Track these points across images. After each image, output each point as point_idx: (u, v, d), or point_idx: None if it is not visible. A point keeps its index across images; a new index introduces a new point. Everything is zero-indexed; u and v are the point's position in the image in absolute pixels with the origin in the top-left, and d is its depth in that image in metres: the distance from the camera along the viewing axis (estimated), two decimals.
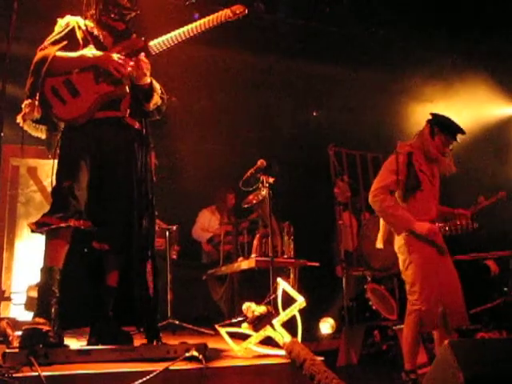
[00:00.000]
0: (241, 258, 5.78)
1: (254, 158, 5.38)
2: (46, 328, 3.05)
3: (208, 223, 7.48)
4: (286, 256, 5.77)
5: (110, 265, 3.60)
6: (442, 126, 4.54)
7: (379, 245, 4.74)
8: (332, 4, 7.24)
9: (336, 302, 6.67)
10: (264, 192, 5.46)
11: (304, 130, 7.83)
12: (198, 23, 3.57)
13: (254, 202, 5.69)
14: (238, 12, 3.62)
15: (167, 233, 5.70)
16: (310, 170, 7.44)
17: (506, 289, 6.92)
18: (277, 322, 2.99)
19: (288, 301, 3.31)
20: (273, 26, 7.18)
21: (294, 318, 3.20)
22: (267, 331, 3.01)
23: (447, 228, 4.53)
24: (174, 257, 6.43)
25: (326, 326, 6.69)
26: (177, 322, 5.29)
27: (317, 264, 5.86)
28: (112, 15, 3.67)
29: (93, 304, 3.56)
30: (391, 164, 4.54)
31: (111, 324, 3.50)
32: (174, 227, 5.88)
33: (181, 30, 3.57)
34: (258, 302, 3.28)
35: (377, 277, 6.37)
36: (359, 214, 7.08)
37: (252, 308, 3.18)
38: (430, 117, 4.66)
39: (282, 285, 3.29)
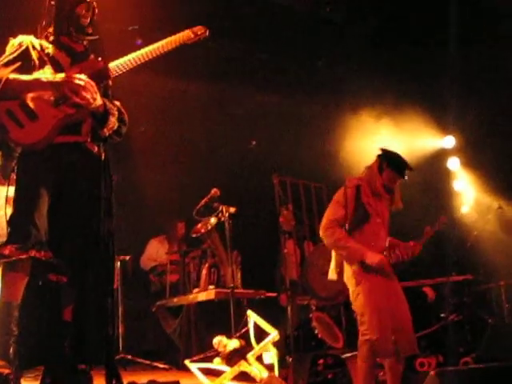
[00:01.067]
0: (196, 289, 5.64)
1: (202, 187, 5.32)
2: (6, 371, 2.84)
3: (156, 253, 7.31)
4: (233, 285, 5.69)
5: (67, 298, 3.42)
6: (390, 162, 4.62)
7: (332, 276, 4.75)
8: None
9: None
10: (213, 220, 5.39)
11: (248, 159, 7.83)
12: (159, 44, 3.51)
13: (203, 231, 5.59)
14: (199, 33, 3.58)
15: (118, 263, 5.49)
16: (255, 199, 7.43)
17: (442, 315, 7.13)
18: (251, 356, 2.92)
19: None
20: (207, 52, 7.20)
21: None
22: (242, 366, 2.93)
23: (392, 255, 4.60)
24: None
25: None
26: (129, 357, 5.07)
27: (274, 295, 5.81)
28: (72, 36, 3.55)
29: (48, 341, 3.35)
30: (339, 198, 4.62)
31: (67, 363, 3.31)
32: (127, 257, 5.69)
33: (142, 52, 3.50)
34: (226, 335, 3.20)
35: (322, 305, 6.40)
36: (302, 242, 7.12)
37: (224, 342, 3.09)
38: (380, 152, 4.73)
39: (253, 317, 3.22)
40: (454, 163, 9.75)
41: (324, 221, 4.59)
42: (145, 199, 7.30)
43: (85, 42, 3.62)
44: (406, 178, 4.70)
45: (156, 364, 5.02)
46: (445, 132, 9.55)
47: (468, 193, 9.64)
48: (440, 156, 9.60)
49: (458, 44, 8.26)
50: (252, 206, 7.45)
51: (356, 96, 8.05)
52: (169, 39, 3.54)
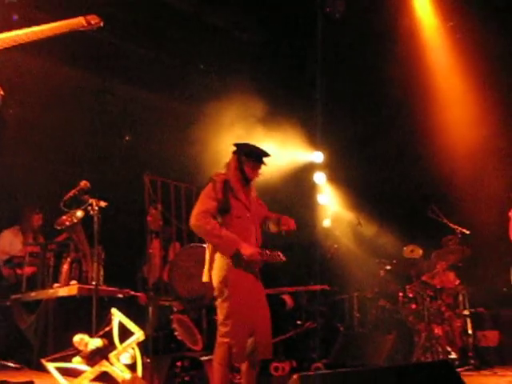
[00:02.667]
0: (57, 284, 5.36)
1: (66, 178, 5.10)
2: None
3: (9, 245, 6.84)
4: (94, 282, 5.50)
5: None
6: (248, 153, 4.68)
7: (206, 278, 4.70)
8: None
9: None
10: (79, 214, 5.18)
11: (121, 155, 7.62)
12: (45, 27, 3.32)
13: (67, 223, 5.35)
14: (92, 22, 3.45)
15: None
16: (125, 196, 7.24)
17: (298, 322, 7.39)
18: (114, 356, 2.83)
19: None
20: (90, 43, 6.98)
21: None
22: (104, 366, 2.83)
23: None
24: None
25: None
26: None
27: (139, 294, 5.68)
28: None
29: None
30: (209, 191, 4.58)
31: None
32: None
33: (26, 31, 3.29)
34: (88, 333, 3.07)
35: (183, 308, 6.37)
36: (169, 243, 7.06)
37: (85, 341, 2.97)
38: (235, 148, 4.76)
39: (118, 316, 3.12)
40: (320, 177, 10.19)
41: (195, 212, 4.49)
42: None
43: None
44: (266, 164, 4.73)
45: (5, 363, 4.68)
46: (314, 147, 9.96)
47: (331, 207, 10.12)
48: (308, 170, 9.98)
49: (325, 65, 8.77)
50: (121, 202, 7.26)
51: (231, 102, 8.15)
52: (58, 23, 3.37)
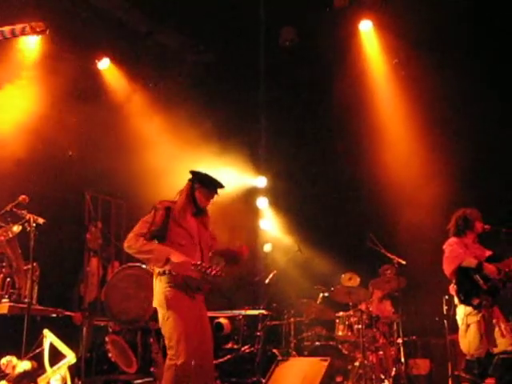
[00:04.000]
0: None
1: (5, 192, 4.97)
2: None
3: None
4: (26, 300, 5.34)
5: None
6: (202, 181, 4.75)
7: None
8: None
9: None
10: (15, 228, 5.05)
11: (61, 169, 7.45)
12: None
13: (2, 238, 5.20)
14: (38, 30, 3.43)
15: None
16: (63, 211, 7.08)
17: (235, 346, 7.38)
18: (43, 380, 2.76)
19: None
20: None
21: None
22: None
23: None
24: None
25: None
26: None
27: (72, 314, 5.54)
28: None
29: None
30: (148, 217, 4.62)
31: None
32: None
33: None
34: (16, 355, 2.99)
35: (119, 329, 6.27)
36: (108, 262, 6.94)
37: (13, 363, 2.87)
38: (191, 175, 4.82)
39: (50, 337, 3.05)
40: (262, 202, 10.26)
41: (128, 235, 4.55)
42: None
43: None
44: (218, 194, 4.80)
45: None
46: (258, 172, 10.05)
47: (272, 232, 10.19)
48: (251, 194, 10.04)
49: (271, 91, 8.95)
50: (60, 218, 7.11)
51: (177, 123, 8.17)
52: (3, 29, 3.35)
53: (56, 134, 7.31)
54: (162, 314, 4.48)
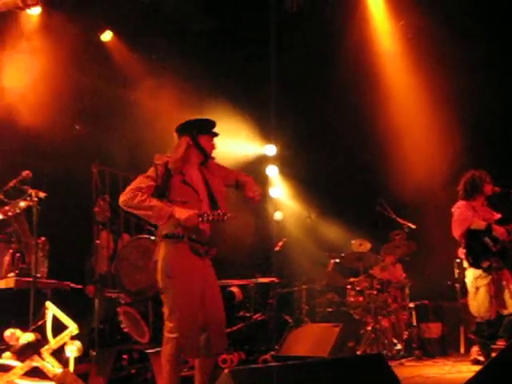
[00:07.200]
0: None
1: (13, 167, 5.00)
2: None
3: None
4: (39, 274, 5.41)
5: None
6: (199, 127, 4.47)
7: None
8: None
9: (85, 323, 6.44)
10: (23, 204, 5.08)
11: (68, 143, 7.48)
12: None
13: (10, 214, 5.24)
14: (29, 2, 3.39)
15: None
16: (71, 185, 7.13)
17: (247, 314, 7.43)
18: (46, 350, 2.80)
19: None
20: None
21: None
22: (35, 361, 2.79)
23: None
24: None
25: (72, 348, 6.39)
26: None
27: (79, 286, 5.60)
28: None
29: None
30: (150, 173, 4.37)
31: None
32: None
33: None
34: (21, 328, 3.03)
35: (130, 300, 6.33)
36: (118, 235, 6.97)
37: (17, 335, 2.92)
38: (182, 128, 4.48)
39: (52, 309, 3.08)
40: (272, 170, 10.23)
41: (125, 190, 4.28)
42: None
43: None
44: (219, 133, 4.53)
45: None
46: (267, 140, 10.00)
47: (282, 200, 10.19)
48: (260, 163, 10.02)
49: (280, 58, 8.83)
50: (68, 193, 7.15)
51: (183, 93, 8.12)
52: None
53: (60, 108, 7.31)
54: (161, 284, 4.27)
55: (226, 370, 2.65)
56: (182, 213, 4.16)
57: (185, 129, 4.49)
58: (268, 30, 8.77)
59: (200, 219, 4.17)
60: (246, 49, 8.97)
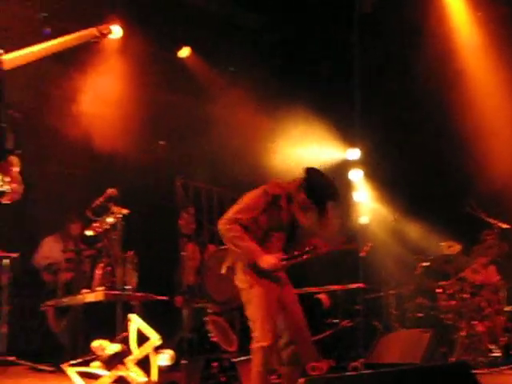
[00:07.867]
0: (85, 290, 5.51)
1: (101, 186, 5.23)
2: None
3: (50, 251, 7.05)
4: (129, 287, 5.64)
5: None
6: (310, 189, 4.39)
7: (223, 270, 4.67)
8: None
9: (174, 333, 6.61)
10: (110, 220, 5.31)
11: (151, 159, 7.75)
12: (61, 40, 3.44)
13: (100, 230, 5.50)
14: (104, 32, 3.56)
15: (7, 261, 5.27)
16: (156, 200, 7.37)
17: (335, 321, 7.37)
18: (130, 360, 2.91)
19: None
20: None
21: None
22: (120, 370, 2.91)
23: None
24: None
25: (165, 357, 6.57)
26: (11, 359, 4.86)
27: (164, 298, 5.77)
28: None
29: None
30: (252, 201, 4.43)
31: None
32: (16, 255, 5.47)
33: (41, 46, 3.40)
34: (109, 339, 3.16)
35: (218, 309, 6.44)
36: (203, 247, 7.13)
37: (103, 346, 3.05)
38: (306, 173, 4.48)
39: (135, 321, 3.20)
40: (355, 175, 10.09)
41: (226, 215, 4.39)
42: (40, 194, 7.05)
43: None
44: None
45: (40, 366, 4.82)
46: (349, 144, 9.89)
47: (367, 204, 10.02)
48: (342, 167, 9.91)
49: (363, 62, 8.71)
50: (154, 207, 7.39)
51: (263, 103, 8.19)
52: (71, 36, 3.50)
53: (145, 125, 7.58)
54: (243, 294, 4.41)
55: (300, 380, 2.65)
56: (266, 262, 4.24)
57: (305, 176, 4.47)
58: (347, 31, 8.73)
59: (283, 264, 4.30)
60: (322, 56, 8.94)
